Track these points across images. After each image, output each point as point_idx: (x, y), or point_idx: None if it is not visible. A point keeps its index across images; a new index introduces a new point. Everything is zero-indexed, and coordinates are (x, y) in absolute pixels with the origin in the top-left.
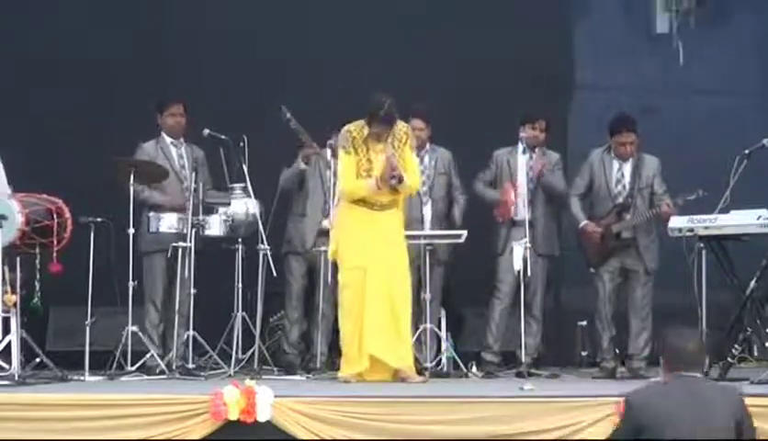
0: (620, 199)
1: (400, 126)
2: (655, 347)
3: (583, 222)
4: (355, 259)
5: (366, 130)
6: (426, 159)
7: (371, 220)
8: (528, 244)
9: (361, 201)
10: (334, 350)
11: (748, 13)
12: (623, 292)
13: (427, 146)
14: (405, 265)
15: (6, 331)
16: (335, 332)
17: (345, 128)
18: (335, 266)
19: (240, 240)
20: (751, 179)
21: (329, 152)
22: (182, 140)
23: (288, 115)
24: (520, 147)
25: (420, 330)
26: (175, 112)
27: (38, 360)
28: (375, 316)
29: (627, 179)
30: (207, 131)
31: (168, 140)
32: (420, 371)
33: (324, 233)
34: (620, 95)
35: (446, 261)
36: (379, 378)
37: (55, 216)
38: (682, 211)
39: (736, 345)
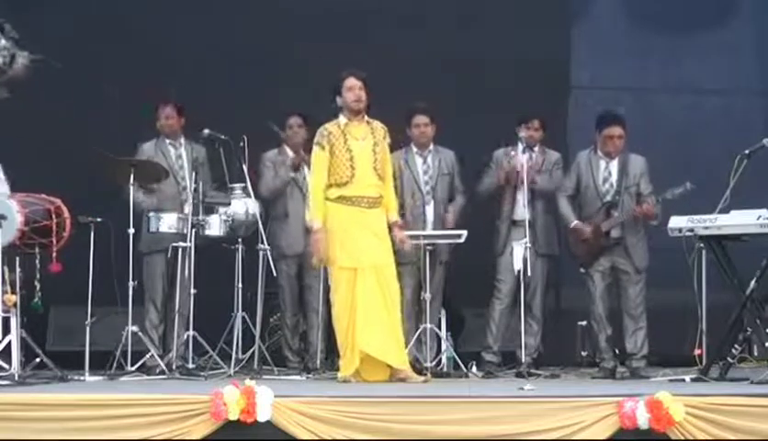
0: (608, 198)
1: (378, 124)
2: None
3: (573, 223)
4: (347, 259)
5: (343, 123)
6: (429, 159)
7: (360, 218)
8: (528, 244)
9: (348, 199)
10: (332, 350)
11: (748, 13)
12: (616, 291)
13: (431, 146)
14: (393, 262)
15: (6, 331)
16: (332, 331)
17: (322, 126)
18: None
19: (240, 240)
20: (751, 179)
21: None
22: (181, 140)
23: (276, 128)
24: (520, 147)
25: (420, 330)
26: (160, 115)
27: (38, 360)
28: (367, 314)
29: (615, 178)
30: (207, 131)
31: (167, 140)
32: (420, 371)
33: (309, 231)
34: (619, 94)
35: (446, 261)
36: (376, 378)
37: (54, 216)
38: (674, 206)
39: (736, 345)
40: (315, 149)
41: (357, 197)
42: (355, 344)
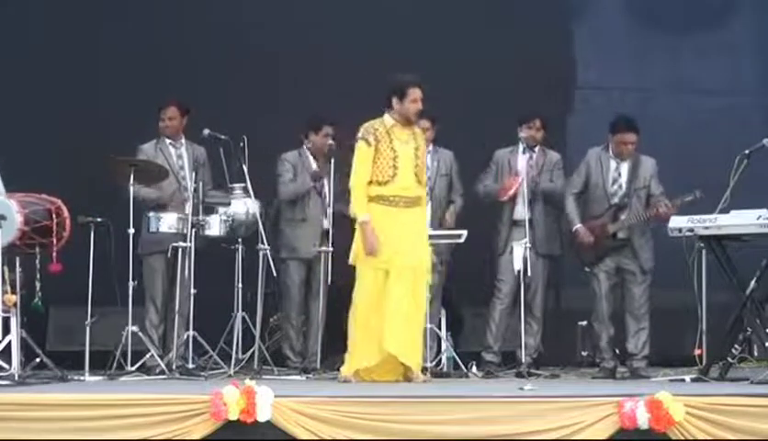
0: (616, 199)
1: (418, 129)
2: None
3: (576, 226)
4: (379, 260)
5: (389, 124)
6: (428, 160)
7: (397, 217)
8: (529, 245)
9: (386, 199)
10: (331, 351)
11: (748, 13)
12: (620, 292)
13: (430, 147)
14: (427, 265)
15: (6, 331)
16: (331, 333)
17: (368, 123)
18: (333, 267)
19: (240, 240)
20: (751, 179)
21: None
22: (182, 140)
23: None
24: (520, 147)
25: None
26: (164, 116)
27: (38, 360)
28: (396, 315)
29: (624, 179)
30: (207, 131)
31: (167, 140)
32: (422, 371)
33: (325, 234)
34: (620, 94)
35: (446, 261)
36: (386, 378)
37: (54, 216)
38: (679, 211)
39: (736, 345)
40: (360, 143)
41: (395, 196)
42: (383, 344)
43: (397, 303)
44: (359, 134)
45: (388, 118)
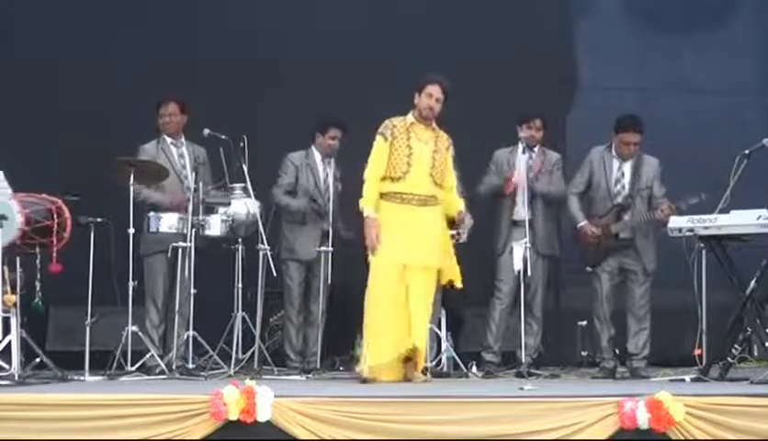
0: (619, 199)
1: (444, 134)
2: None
3: (581, 223)
4: (394, 254)
5: (409, 122)
6: None
7: (409, 216)
8: (528, 245)
9: (398, 196)
10: (332, 350)
11: (748, 13)
12: (621, 292)
13: None
14: (436, 265)
15: (6, 331)
16: (331, 333)
17: (388, 119)
18: (333, 267)
19: (240, 240)
20: (751, 179)
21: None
22: (182, 139)
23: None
24: (520, 147)
25: None
26: (164, 112)
27: (38, 360)
28: (417, 312)
29: (627, 179)
30: (207, 131)
31: (169, 139)
32: (422, 371)
33: (325, 235)
34: (620, 94)
35: None
36: (388, 378)
37: (55, 216)
38: (685, 213)
39: (736, 345)
40: (377, 138)
41: (408, 194)
42: (404, 342)
43: (415, 300)
44: (380, 129)
45: (410, 116)
